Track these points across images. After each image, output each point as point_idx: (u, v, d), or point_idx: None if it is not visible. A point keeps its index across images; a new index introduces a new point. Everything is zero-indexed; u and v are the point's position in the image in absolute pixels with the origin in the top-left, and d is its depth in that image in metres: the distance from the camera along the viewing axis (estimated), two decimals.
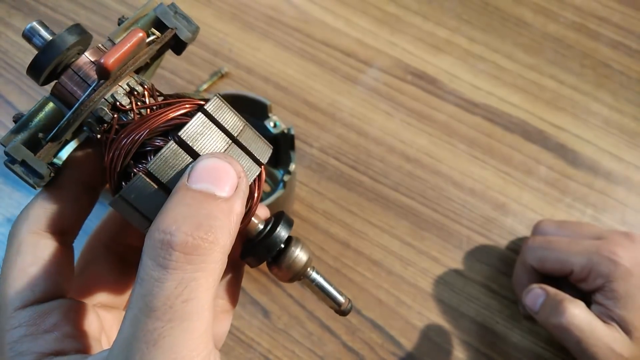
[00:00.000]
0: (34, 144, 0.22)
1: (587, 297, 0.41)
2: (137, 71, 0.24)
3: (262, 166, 0.24)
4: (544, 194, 0.51)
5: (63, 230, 0.24)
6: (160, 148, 0.21)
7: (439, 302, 0.47)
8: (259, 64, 0.57)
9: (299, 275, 0.25)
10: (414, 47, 0.59)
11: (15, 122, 0.23)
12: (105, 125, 0.23)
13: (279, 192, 0.42)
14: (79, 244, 0.27)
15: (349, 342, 0.45)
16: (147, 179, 0.21)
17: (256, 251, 0.25)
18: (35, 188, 0.23)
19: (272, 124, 0.45)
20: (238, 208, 0.20)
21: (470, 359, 0.45)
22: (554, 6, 0.62)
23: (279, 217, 0.25)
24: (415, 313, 0.46)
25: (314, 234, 0.49)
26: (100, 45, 0.24)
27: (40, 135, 0.22)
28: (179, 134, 0.21)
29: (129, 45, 0.21)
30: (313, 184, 0.51)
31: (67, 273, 0.24)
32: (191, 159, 0.21)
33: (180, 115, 0.22)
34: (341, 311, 0.26)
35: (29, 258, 0.23)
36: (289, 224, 0.25)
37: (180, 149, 0.21)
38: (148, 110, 0.23)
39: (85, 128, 0.23)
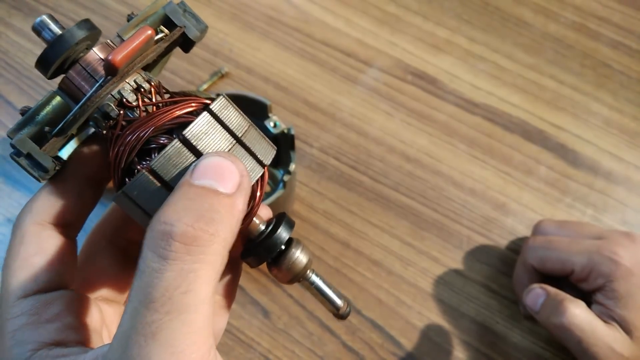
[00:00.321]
0: (39, 138, 0.22)
1: (587, 297, 0.41)
2: (145, 68, 0.24)
3: (265, 167, 0.24)
4: (544, 194, 0.51)
5: (66, 223, 0.24)
6: (164, 146, 0.21)
7: (439, 302, 0.47)
8: (259, 64, 0.57)
9: (298, 277, 0.25)
10: (414, 47, 0.59)
11: (22, 114, 0.23)
12: (111, 121, 0.23)
13: (279, 192, 0.42)
14: (83, 239, 0.27)
15: (349, 342, 0.45)
16: (150, 176, 0.21)
17: (256, 251, 0.25)
18: (39, 181, 0.23)
19: (272, 124, 0.45)
20: (240, 205, 0.20)
21: (470, 359, 0.45)
22: (554, 6, 0.62)
23: (280, 218, 0.25)
24: (415, 313, 0.46)
25: (314, 234, 0.49)
26: (109, 40, 0.24)
27: (47, 129, 0.22)
28: (184, 132, 0.21)
29: (137, 42, 0.21)
30: (313, 184, 0.51)
31: (70, 265, 0.24)
32: (195, 158, 0.21)
33: (186, 113, 0.22)
34: (339, 315, 0.26)
35: (32, 248, 0.23)
36: (290, 225, 0.25)
37: (185, 148, 0.21)
38: (154, 107, 0.23)
39: (91, 123, 0.23)
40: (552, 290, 0.41)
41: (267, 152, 0.24)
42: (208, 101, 0.23)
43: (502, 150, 0.53)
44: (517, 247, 0.49)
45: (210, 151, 0.22)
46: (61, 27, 0.22)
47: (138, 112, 0.23)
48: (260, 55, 0.58)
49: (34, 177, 0.22)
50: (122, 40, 0.23)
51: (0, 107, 0.54)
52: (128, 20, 0.24)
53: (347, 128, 0.54)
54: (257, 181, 0.24)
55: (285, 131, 0.44)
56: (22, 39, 0.58)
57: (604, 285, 0.39)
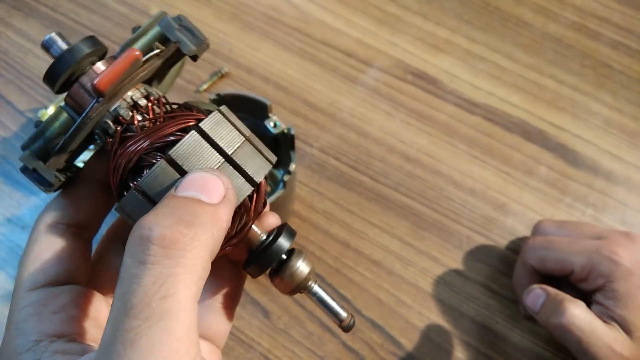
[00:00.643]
0: (47, 152, 0.23)
1: (587, 297, 0.41)
2: (150, 81, 0.25)
3: (261, 182, 0.24)
4: (544, 194, 0.51)
5: (80, 225, 0.25)
6: (153, 164, 0.22)
7: (439, 302, 0.47)
8: (259, 64, 0.57)
9: (300, 287, 0.25)
10: (414, 47, 0.59)
11: (36, 127, 0.24)
12: (111, 135, 0.23)
13: (279, 192, 0.42)
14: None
15: (349, 342, 0.45)
16: (139, 194, 0.22)
17: (257, 261, 0.25)
18: (47, 193, 0.24)
19: (272, 124, 0.45)
20: (224, 215, 0.20)
21: (470, 359, 0.45)
22: (554, 6, 0.62)
23: (281, 228, 0.25)
24: (415, 313, 0.46)
25: (314, 234, 0.49)
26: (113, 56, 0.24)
27: (54, 144, 0.23)
28: (170, 152, 0.21)
29: (120, 65, 0.22)
30: (313, 184, 0.51)
31: (82, 263, 0.24)
32: (180, 177, 0.22)
33: (178, 130, 0.23)
34: (342, 327, 0.26)
35: (44, 246, 0.23)
36: (291, 235, 0.25)
37: (170, 167, 0.21)
38: (150, 123, 0.23)
39: (96, 137, 0.24)
40: (552, 290, 0.41)
41: (260, 169, 0.24)
42: (203, 116, 0.23)
43: (502, 150, 0.53)
44: (517, 247, 0.49)
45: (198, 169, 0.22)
46: (68, 44, 0.23)
47: (135, 128, 0.23)
48: (260, 55, 0.58)
49: (42, 189, 0.24)
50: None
51: (0, 107, 0.54)
52: (133, 32, 0.24)
53: (347, 128, 0.54)
54: (253, 196, 0.24)
55: (285, 131, 0.44)
56: (22, 39, 0.58)
57: (604, 285, 0.39)
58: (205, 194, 0.20)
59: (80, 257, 0.24)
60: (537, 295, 0.41)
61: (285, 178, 0.42)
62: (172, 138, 0.22)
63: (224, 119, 0.23)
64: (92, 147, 0.26)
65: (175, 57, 0.25)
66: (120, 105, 0.23)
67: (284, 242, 0.25)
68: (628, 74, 0.58)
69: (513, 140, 0.54)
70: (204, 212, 0.20)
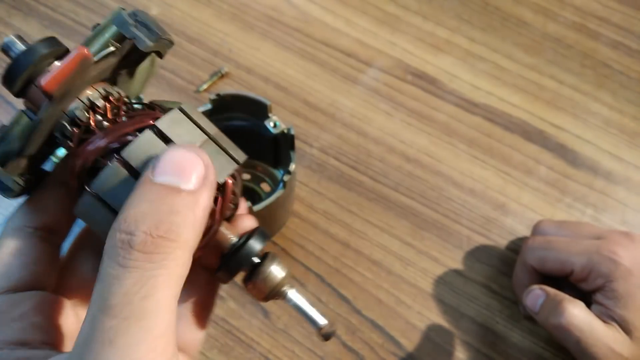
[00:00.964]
0: (6, 157, 0.22)
1: (587, 297, 0.41)
2: (114, 80, 0.24)
3: (226, 182, 0.23)
4: (544, 194, 0.51)
5: (47, 228, 0.24)
6: (105, 167, 0.21)
7: (439, 302, 0.47)
8: (259, 64, 0.57)
9: (274, 293, 0.24)
10: (414, 47, 0.59)
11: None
12: (69, 137, 0.23)
13: (279, 192, 0.42)
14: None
15: (349, 342, 0.45)
16: (92, 198, 0.21)
17: (226, 265, 0.23)
18: (8, 198, 0.23)
19: (272, 124, 0.45)
20: (205, 201, 0.20)
21: (470, 359, 0.45)
22: (554, 6, 0.62)
23: (253, 231, 0.24)
24: (415, 313, 0.46)
25: (314, 234, 0.49)
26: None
27: (14, 149, 0.22)
28: (121, 153, 0.21)
29: (67, 65, 0.21)
30: (313, 184, 0.51)
31: (48, 268, 0.24)
32: (132, 176, 0.21)
33: (136, 130, 0.22)
34: (321, 334, 0.24)
35: (7, 249, 0.23)
36: (264, 237, 0.24)
37: (123, 169, 0.21)
38: (110, 123, 0.23)
39: (57, 140, 0.23)
40: (552, 291, 0.41)
41: (223, 168, 0.23)
42: (159, 117, 0.22)
43: (502, 150, 0.53)
44: (517, 247, 0.49)
45: None
46: (27, 45, 0.23)
47: (93, 129, 0.22)
48: (260, 55, 0.58)
49: (2, 194, 0.23)
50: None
51: (0, 107, 0.54)
52: (92, 30, 0.23)
53: (347, 128, 0.54)
54: (215, 198, 0.23)
55: (285, 131, 0.44)
56: None
57: (604, 285, 0.39)
58: (184, 179, 0.19)
59: (46, 262, 0.24)
60: (536, 295, 0.41)
61: (285, 178, 0.42)
62: (129, 138, 0.22)
63: (184, 116, 0.22)
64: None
65: (136, 55, 0.25)
66: (77, 107, 0.22)
67: (254, 245, 0.23)
68: (628, 74, 0.58)
69: (513, 140, 0.54)
70: (184, 206, 0.19)
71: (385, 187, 0.51)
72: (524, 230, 0.49)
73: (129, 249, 0.18)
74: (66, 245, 0.26)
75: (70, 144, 0.23)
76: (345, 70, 0.57)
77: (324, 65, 0.57)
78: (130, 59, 0.25)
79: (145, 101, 0.25)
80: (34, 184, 0.24)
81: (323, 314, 0.24)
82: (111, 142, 0.22)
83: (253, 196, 0.50)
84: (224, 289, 0.47)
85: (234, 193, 0.24)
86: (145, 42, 0.23)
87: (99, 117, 0.23)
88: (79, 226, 0.26)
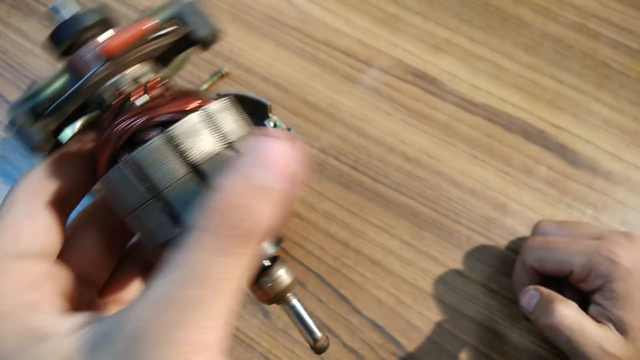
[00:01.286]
0: (38, 113, 0.22)
1: (587, 298, 0.41)
2: (157, 62, 0.24)
3: None
4: (544, 194, 0.51)
5: (61, 197, 0.24)
6: (147, 141, 0.21)
7: (439, 302, 0.47)
8: (259, 64, 0.57)
9: (278, 297, 0.24)
10: (414, 47, 0.59)
11: (28, 89, 0.23)
12: (106, 108, 0.23)
13: None
14: None
15: (349, 342, 0.45)
16: (127, 170, 0.21)
17: None
18: (30, 155, 0.23)
19: (272, 124, 0.45)
20: (287, 197, 0.20)
21: (470, 359, 0.45)
22: (554, 6, 0.62)
23: None
24: (415, 313, 0.46)
25: (314, 234, 0.49)
26: (118, 29, 0.24)
27: (46, 105, 0.22)
28: (168, 130, 0.21)
29: (132, 33, 0.21)
30: (313, 184, 0.51)
31: (56, 238, 0.23)
32: (177, 157, 0.21)
33: (178, 111, 0.22)
34: (316, 348, 0.24)
35: (21, 213, 0.22)
36: (277, 241, 0.24)
37: (166, 146, 0.21)
38: (151, 100, 0.23)
39: (89, 108, 0.23)
40: (545, 291, 0.41)
41: None
42: (208, 102, 0.23)
43: (502, 150, 0.53)
44: (517, 247, 0.49)
45: (193, 152, 0.21)
46: (80, 8, 0.23)
47: (133, 103, 0.22)
48: (260, 55, 0.58)
49: (26, 151, 0.22)
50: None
51: (0, 107, 0.54)
52: (142, 14, 0.24)
53: (347, 128, 0.54)
54: None
55: (286, 131, 0.44)
56: (22, 38, 0.58)
57: (603, 286, 0.39)
58: (277, 178, 0.20)
59: (55, 232, 0.23)
60: (531, 295, 0.41)
61: None
62: (172, 117, 0.22)
63: (230, 107, 0.23)
64: (79, 122, 0.25)
65: (183, 43, 0.25)
66: (123, 78, 0.23)
67: (267, 248, 0.23)
68: (628, 74, 0.58)
69: (513, 140, 0.54)
70: (272, 202, 0.20)
71: (385, 187, 0.51)
72: (524, 230, 0.49)
73: (223, 232, 0.19)
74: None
75: (105, 113, 0.23)
76: (346, 70, 0.57)
77: (324, 65, 0.57)
78: (176, 46, 0.25)
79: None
80: (51, 148, 0.24)
81: (319, 327, 0.24)
82: (154, 117, 0.22)
83: None
84: None
85: None
86: (199, 32, 0.24)
87: (143, 93, 0.23)
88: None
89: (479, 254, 0.49)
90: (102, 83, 0.22)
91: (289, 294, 0.24)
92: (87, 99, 0.22)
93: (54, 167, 0.24)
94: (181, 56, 0.27)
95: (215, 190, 0.19)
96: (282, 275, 0.24)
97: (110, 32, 0.23)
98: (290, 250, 0.48)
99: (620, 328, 0.38)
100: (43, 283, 0.22)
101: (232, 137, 0.22)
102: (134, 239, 0.28)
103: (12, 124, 0.22)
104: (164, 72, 0.26)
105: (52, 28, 0.22)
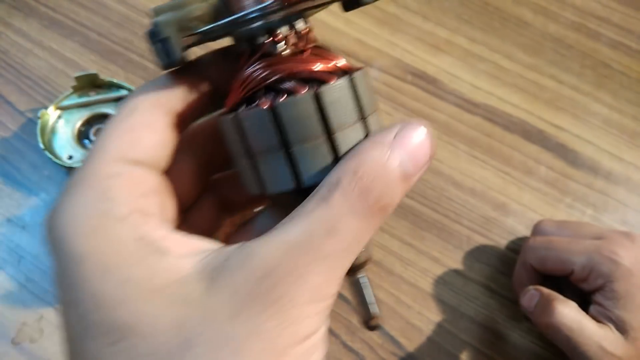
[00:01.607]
0: (183, 28, 0.21)
1: (587, 298, 0.41)
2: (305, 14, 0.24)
3: None
4: (544, 194, 0.51)
5: (178, 115, 0.23)
6: (292, 92, 0.21)
7: (439, 302, 0.47)
8: None
9: (353, 271, 0.25)
10: (414, 47, 0.59)
11: None
12: (254, 46, 0.22)
13: None
14: None
15: (349, 342, 0.45)
16: (267, 114, 0.21)
17: None
18: (163, 70, 0.22)
19: None
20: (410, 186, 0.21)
21: (470, 359, 0.45)
22: (554, 6, 0.62)
23: None
24: (415, 313, 0.46)
25: None
26: None
27: (193, 23, 0.21)
28: (320, 89, 0.21)
29: None
30: None
31: (168, 152, 0.23)
32: (317, 116, 0.21)
33: (326, 71, 0.22)
34: (370, 324, 0.25)
35: (140, 121, 0.22)
36: None
37: (312, 103, 0.21)
38: (297, 50, 0.23)
39: (235, 41, 0.23)
40: (545, 291, 0.41)
41: None
42: (350, 68, 0.23)
43: (502, 150, 0.53)
44: (517, 247, 0.49)
45: (335, 118, 0.21)
46: None
47: (283, 48, 0.22)
48: None
49: (160, 65, 0.22)
50: None
51: (0, 107, 0.54)
52: None
53: None
54: None
55: None
56: (22, 39, 0.58)
57: (604, 285, 0.39)
58: (415, 168, 0.21)
59: (169, 147, 0.23)
60: (532, 295, 0.41)
61: None
62: (320, 76, 0.22)
63: (368, 80, 0.23)
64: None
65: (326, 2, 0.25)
66: (281, 21, 0.22)
67: None
68: (628, 74, 0.58)
69: (513, 140, 0.54)
70: (403, 188, 0.21)
71: None
72: (524, 230, 0.49)
73: (366, 200, 0.20)
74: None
75: (251, 50, 0.22)
76: None
77: None
78: (322, 3, 0.25)
79: None
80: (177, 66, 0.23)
81: (378, 307, 0.25)
82: (304, 71, 0.22)
83: None
84: None
85: None
86: None
87: (294, 40, 0.23)
88: None
89: (479, 254, 0.49)
90: (259, 20, 0.22)
91: (361, 270, 0.25)
92: (236, 30, 0.22)
93: (178, 81, 0.23)
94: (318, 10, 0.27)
95: (364, 161, 0.20)
96: (362, 251, 0.24)
97: None
98: None
99: (621, 328, 0.38)
100: (155, 194, 0.22)
101: (367, 111, 0.22)
102: (216, 175, 0.28)
103: (154, 34, 0.21)
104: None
105: None
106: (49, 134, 0.50)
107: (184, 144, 0.24)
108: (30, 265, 0.46)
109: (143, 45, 0.57)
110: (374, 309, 0.25)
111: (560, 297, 0.40)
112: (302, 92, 0.21)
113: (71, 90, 0.52)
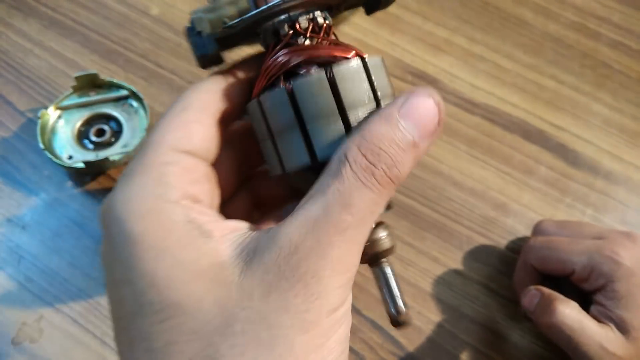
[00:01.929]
0: (213, 26, 0.25)
1: (587, 298, 0.41)
2: (329, 10, 0.26)
3: None
4: (544, 194, 0.51)
5: (223, 112, 0.25)
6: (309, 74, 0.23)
7: (439, 302, 0.47)
8: None
9: (375, 259, 0.25)
10: (414, 47, 0.59)
11: (212, 2, 0.26)
12: (277, 39, 0.24)
13: None
14: None
15: (349, 342, 0.45)
16: (284, 95, 0.22)
17: None
18: (197, 62, 0.25)
19: None
20: (425, 152, 0.22)
21: (470, 359, 0.45)
22: (554, 6, 0.62)
23: None
24: (415, 313, 0.46)
25: None
26: None
27: (225, 20, 0.24)
28: (332, 67, 0.22)
29: None
30: None
31: (216, 147, 0.25)
32: (330, 93, 0.22)
33: (339, 56, 0.23)
34: (396, 320, 0.25)
35: (193, 116, 0.24)
36: (386, 206, 0.25)
37: (327, 82, 0.22)
38: (318, 41, 0.24)
39: (260, 35, 0.25)
40: (546, 291, 0.41)
41: None
42: (365, 55, 0.24)
43: (502, 150, 0.53)
44: (517, 247, 0.49)
45: (348, 97, 0.22)
46: None
47: (303, 40, 0.24)
48: None
49: (195, 56, 0.25)
50: None
51: (0, 107, 0.54)
52: None
53: None
54: None
55: None
56: (22, 39, 0.58)
57: (605, 285, 0.39)
58: (423, 135, 0.22)
59: (216, 142, 0.25)
60: (532, 295, 0.41)
61: None
62: (334, 59, 0.23)
63: (384, 67, 0.24)
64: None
65: (352, 2, 0.26)
66: (302, 14, 0.24)
67: None
68: (628, 74, 0.58)
69: (513, 140, 0.54)
70: (414, 157, 0.22)
71: None
72: (524, 230, 0.49)
73: (375, 172, 0.21)
74: None
75: (274, 41, 0.24)
76: None
77: None
78: (346, 3, 0.27)
79: None
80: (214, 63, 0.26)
81: (404, 302, 0.25)
82: (320, 56, 0.23)
83: None
84: None
85: None
86: None
87: (314, 33, 0.24)
88: None
89: (479, 254, 0.49)
90: (284, 13, 0.24)
91: (384, 259, 0.25)
92: (262, 24, 0.25)
93: (222, 83, 0.25)
94: (344, 14, 0.28)
95: (369, 134, 0.21)
96: (383, 238, 0.25)
97: None
98: None
99: (622, 328, 0.38)
100: (203, 182, 0.24)
101: (381, 93, 0.23)
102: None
103: (191, 29, 0.24)
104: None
105: None
106: (49, 134, 0.50)
107: (227, 140, 0.26)
108: (30, 265, 0.46)
109: (143, 45, 0.57)
110: (400, 303, 0.25)
111: (561, 297, 0.40)
112: (313, 72, 0.23)
113: (71, 90, 0.52)
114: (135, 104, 0.52)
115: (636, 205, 0.51)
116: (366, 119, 0.22)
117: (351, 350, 0.45)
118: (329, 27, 0.25)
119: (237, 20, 0.24)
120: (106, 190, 0.49)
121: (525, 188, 0.51)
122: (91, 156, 0.49)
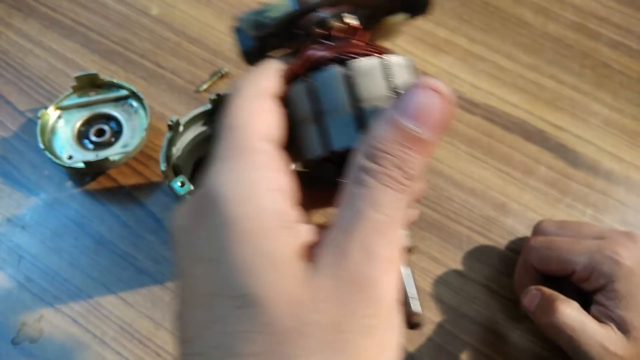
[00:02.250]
0: (257, 25, 0.26)
1: (588, 298, 0.41)
2: (367, 20, 0.27)
3: None
4: (544, 194, 0.51)
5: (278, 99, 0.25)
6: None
7: (439, 302, 0.47)
8: None
9: None
10: (413, 47, 0.59)
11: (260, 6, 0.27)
12: (312, 36, 0.26)
13: None
14: None
15: None
16: (303, 86, 0.24)
17: None
18: (241, 56, 0.27)
19: None
20: (435, 146, 0.22)
21: (470, 359, 0.45)
22: (554, 6, 0.62)
23: None
24: None
25: None
26: None
27: (268, 22, 0.26)
28: (348, 64, 0.23)
29: None
30: None
31: (283, 134, 0.25)
32: (343, 87, 0.23)
33: (361, 53, 0.24)
34: (410, 322, 0.24)
35: (266, 106, 0.24)
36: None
37: (342, 77, 0.23)
38: (344, 41, 0.25)
39: (294, 34, 0.26)
40: (547, 291, 0.41)
41: None
42: (391, 53, 0.25)
43: (502, 150, 0.53)
44: (517, 247, 0.49)
45: (364, 91, 0.23)
46: None
47: (332, 38, 0.25)
48: None
49: (238, 50, 0.27)
50: None
51: (0, 107, 0.54)
52: None
53: None
54: None
55: None
56: (22, 39, 0.58)
57: (605, 285, 0.39)
58: (425, 128, 0.21)
59: (283, 130, 0.24)
60: (533, 296, 0.41)
61: None
62: (356, 56, 0.24)
63: (406, 66, 0.24)
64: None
65: (394, 5, 0.28)
66: (333, 16, 0.26)
67: None
68: (628, 74, 0.58)
69: (513, 140, 0.54)
70: (422, 151, 0.21)
71: None
72: (524, 230, 0.49)
73: (383, 172, 0.21)
74: None
75: (305, 40, 0.26)
76: None
77: None
78: (386, 6, 0.28)
79: None
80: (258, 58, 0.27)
81: (420, 303, 0.25)
82: (342, 54, 0.24)
83: None
84: None
85: None
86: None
87: (344, 33, 0.26)
88: None
89: (479, 254, 0.49)
90: (315, 16, 0.25)
91: (404, 258, 0.25)
92: (298, 24, 0.26)
93: (273, 75, 0.25)
94: (390, 21, 0.29)
95: (375, 134, 0.21)
96: (403, 236, 0.25)
97: None
98: None
99: (623, 328, 0.38)
100: (288, 173, 0.23)
101: (398, 91, 0.24)
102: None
103: (236, 28, 0.27)
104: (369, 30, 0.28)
105: None
106: (49, 134, 0.50)
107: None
108: (30, 265, 0.46)
109: (143, 45, 0.57)
110: (415, 305, 0.24)
111: (562, 296, 0.40)
112: (332, 67, 0.23)
113: (71, 90, 0.52)
114: (135, 104, 0.52)
115: (636, 205, 0.51)
116: (374, 118, 0.22)
117: None
118: (362, 30, 0.26)
119: (277, 16, 0.26)
120: (106, 190, 0.49)
121: (525, 188, 0.51)
122: (91, 156, 0.49)
